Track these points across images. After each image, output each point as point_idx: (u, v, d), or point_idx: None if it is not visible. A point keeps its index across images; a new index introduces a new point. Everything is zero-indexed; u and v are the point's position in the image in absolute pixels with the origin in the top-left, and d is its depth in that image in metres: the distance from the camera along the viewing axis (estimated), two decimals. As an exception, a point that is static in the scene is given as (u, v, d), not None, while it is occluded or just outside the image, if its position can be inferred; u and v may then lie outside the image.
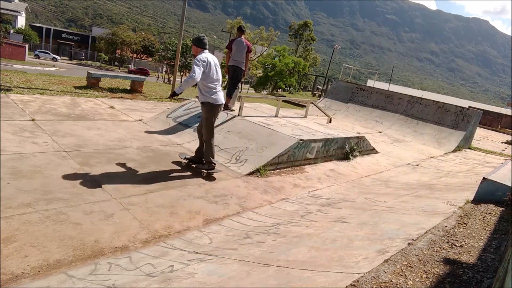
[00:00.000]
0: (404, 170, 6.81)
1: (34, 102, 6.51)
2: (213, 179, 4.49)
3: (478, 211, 3.41)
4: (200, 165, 4.66)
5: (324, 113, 9.95)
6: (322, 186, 5.08)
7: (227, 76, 7.33)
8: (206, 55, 4.33)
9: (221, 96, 4.48)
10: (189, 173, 4.52)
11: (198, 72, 4.09)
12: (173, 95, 4.37)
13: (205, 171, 4.54)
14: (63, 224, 2.83)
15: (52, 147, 4.47)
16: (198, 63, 4.16)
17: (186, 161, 4.84)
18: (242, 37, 6.91)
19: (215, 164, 4.60)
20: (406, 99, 12.59)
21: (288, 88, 40.12)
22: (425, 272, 2.08)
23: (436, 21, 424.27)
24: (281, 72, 34.78)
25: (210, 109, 4.41)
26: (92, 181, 3.72)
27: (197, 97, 4.76)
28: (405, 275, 2.02)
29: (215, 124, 4.61)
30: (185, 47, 30.09)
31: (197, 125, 6.38)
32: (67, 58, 50.72)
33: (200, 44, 4.39)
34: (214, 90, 4.38)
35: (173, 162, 4.83)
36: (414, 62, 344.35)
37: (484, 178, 3.88)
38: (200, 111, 6.52)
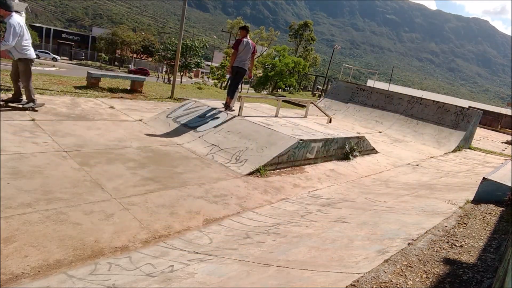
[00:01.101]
0: (404, 170, 6.81)
1: (34, 102, 6.50)
2: (35, 111, 5.58)
3: (478, 211, 3.41)
4: (26, 104, 5.63)
5: (324, 113, 9.96)
6: (322, 186, 5.08)
7: (228, 75, 7.39)
8: (18, 19, 5.19)
9: (32, 52, 5.65)
10: (189, 174, 4.52)
11: (14, 39, 5.15)
12: None
13: (31, 106, 5.59)
14: (63, 224, 2.83)
15: (52, 147, 4.47)
16: (14, 28, 5.09)
17: (3, 103, 5.62)
18: (248, 37, 6.92)
19: (36, 99, 5.75)
20: (406, 99, 12.59)
21: (288, 88, 40.13)
22: (425, 272, 2.08)
23: (436, 21, 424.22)
24: (281, 72, 34.78)
25: (27, 63, 5.59)
26: (92, 181, 3.71)
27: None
28: (405, 275, 2.02)
29: None
30: (185, 47, 30.09)
31: (198, 125, 6.40)
32: (67, 58, 50.73)
33: (7, 7, 5.15)
34: (27, 47, 5.47)
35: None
36: (414, 62, 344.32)
37: (484, 178, 3.88)
38: (200, 111, 6.57)
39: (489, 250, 2.47)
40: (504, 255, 2.21)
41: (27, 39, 5.46)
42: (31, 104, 5.59)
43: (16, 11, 5.28)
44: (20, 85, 5.69)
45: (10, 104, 5.66)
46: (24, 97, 5.72)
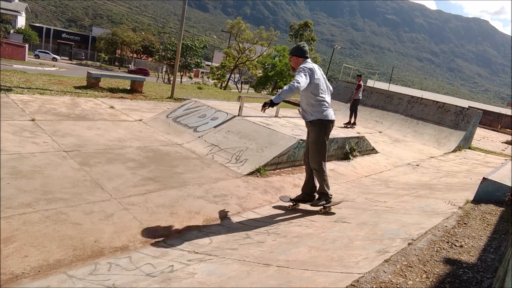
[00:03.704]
0: (404, 170, 6.81)
1: (34, 102, 6.51)
2: (331, 213, 3.72)
3: (478, 211, 3.41)
4: (315, 201, 3.80)
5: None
6: (322, 186, 5.07)
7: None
8: (312, 65, 3.60)
9: (332, 113, 3.69)
10: (189, 174, 4.52)
11: (304, 80, 3.37)
12: (270, 104, 3.35)
13: (324, 206, 3.75)
14: (63, 224, 2.83)
15: (52, 147, 4.47)
16: (305, 69, 3.47)
17: (292, 205, 3.96)
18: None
19: (331, 195, 3.76)
20: (406, 99, 12.59)
21: (288, 88, 40.04)
22: (425, 272, 2.08)
23: (436, 21, 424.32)
24: (281, 72, 34.75)
25: (322, 127, 3.62)
26: (92, 181, 3.71)
27: (298, 111, 4.04)
28: (405, 275, 2.02)
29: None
30: (185, 47, 30.10)
31: (198, 125, 6.40)
32: (67, 58, 50.73)
33: (301, 53, 3.67)
34: (325, 105, 3.63)
35: (277, 207, 3.99)
36: (414, 62, 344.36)
37: (484, 178, 3.88)
38: (200, 111, 6.45)
39: (489, 250, 2.47)
40: (504, 255, 2.21)
41: (323, 91, 3.64)
42: (322, 202, 3.76)
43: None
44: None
45: (301, 206, 4.03)
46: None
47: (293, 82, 3.31)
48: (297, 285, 2.01)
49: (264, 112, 3.46)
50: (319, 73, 3.62)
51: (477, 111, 11.53)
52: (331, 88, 3.82)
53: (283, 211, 3.89)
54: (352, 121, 10.91)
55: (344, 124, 10.74)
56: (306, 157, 3.83)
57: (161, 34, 73.80)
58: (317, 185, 3.82)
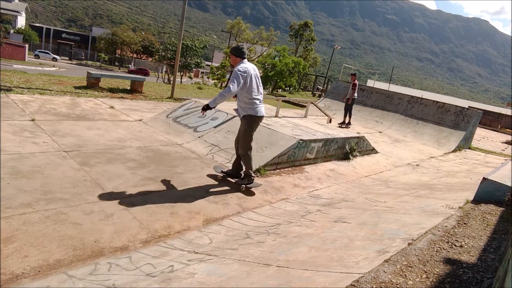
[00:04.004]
0: (404, 170, 6.81)
1: (34, 102, 6.51)
2: (252, 193, 4.28)
3: (478, 211, 3.41)
4: (239, 180, 4.43)
5: (324, 113, 9.96)
6: (322, 186, 5.08)
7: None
8: (246, 65, 4.08)
9: (262, 109, 4.26)
10: (189, 174, 4.52)
11: (236, 85, 3.91)
12: (206, 108, 4.01)
13: (246, 186, 4.33)
14: (63, 224, 2.83)
15: (52, 147, 4.47)
16: (239, 74, 3.95)
17: (221, 176, 4.57)
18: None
19: (254, 177, 4.41)
20: (406, 99, 12.59)
21: (288, 88, 40.11)
22: (425, 272, 2.08)
23: (436, 21, 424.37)
24: (281, 72, 34.77)
25: (251, 122, 4.23)
26: (92, 181, 3.72)
27: (235, 109, 4.53)
28: (405, 275, 2.02)
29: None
30: (185, 47, 30.10)
31: (198, 125, 6.40)
32: (67, 58, 50.74)
33: (239, 53, 4.14)
34: (256, 103, 4.17)
35: (209, 176, 4.57)
36: (414, 62, 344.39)
37: (484, 178, 3.88)
38: (200, 111, 6.52)
39: (489, 250, 2.47)
40: (504, 255, 2.21)
41: (255, 91, 4.19)
42: (245, 181, 4.39)
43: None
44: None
45: (229, 179, 4.61)
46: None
47: (228, 88, 3.91)
48: (297, 285, 2.01)
49: (203, 115, 4.10)
50: (253, 74, 4.14)
51: (477, 111, 11.53)
52: (261, 89, 4.30)
53: (283, 211, 3.89)
54: (347, 120, 10.81)
55: (338, 124, 10.57)
56: (236, 143, 4.46)
57: (161, 34, 73.81)
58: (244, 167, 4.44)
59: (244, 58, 4.16)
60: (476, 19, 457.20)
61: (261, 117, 4.28)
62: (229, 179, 4.56)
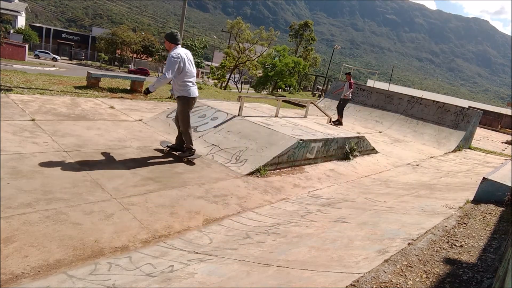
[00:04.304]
0: (404, 170, 6.81)
1: (34, 102, 6.51)
2: (193, 163, 4.90)
3: (478, 211, 3.41)
4: (181, 153, 5.03)
5: (324, 113, 9.96)
6: (322, 186, 5.08)
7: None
8: (179, 51, 4.58)
9: (195, 90, 4.84)
10: (189, 174, 4.52)
11: (171, 72, 4.47)
12: (147, 92, 4.61)
13: (188, 158, 4.94)
14: (63, 224, 2.83)
15: (52, 147, 4.47)
16: (172, 60, 4.47)
17: (167, 149, 5.15)
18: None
19: (194, 150, 5.04)
20: (406, 99, 12.59)
21: (288, 88, 40.10)
22: (425, 272, 2.08)
23: (436, 21, 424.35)
24: (281, 72, 34.75)
25: (186, 102, 4.79)
26: (92, 181, 3.72)
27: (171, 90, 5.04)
28: (405, 275, 2.02)
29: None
30: (185, 47, 30.12)
31: (198, 125, 6.40)
32: (67, 58, 50.72)
33: (173, 39, 4.62)
34: (189, 85, 4.74)
35: (156, 150, 5.17)
36: (414, 62, 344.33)
37: (484, 178, 3.88)
38: (200, 111, 6.60)
39: (489, 250, 2.47)
40: (504, 255, 2.21)
41: (189, 74, 4.73)
42: (186, 154, 4.97)
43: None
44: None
45: (173, 153, 5.17)
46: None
47: (164, 75, 4.47)
48: (297, 285, 2.01)
49: (144, 96, 4.61)
50: (186, 59, 4.66)
51: (477, 111, 11.53)
52: (194, 72, 4.80)
53: (283, 211, 3.89)
54: (335, 118, 10.81)
55: (332, 121, 10.57)
56: (177, 121, 5.04)
57: (161, 34, 73.76)
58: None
59: (178, 44, 4.65)
60: (476, 19, 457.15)
61: (194, 98, 4.86)
62: (173, 152, 5.15)
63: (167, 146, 5.16)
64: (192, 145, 4.98)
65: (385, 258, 2.21)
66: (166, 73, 4.45)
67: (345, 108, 11.20)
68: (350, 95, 10.94)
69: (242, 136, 5.78)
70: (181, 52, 4.61)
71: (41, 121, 5.43)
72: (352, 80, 10.90)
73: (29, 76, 9.79)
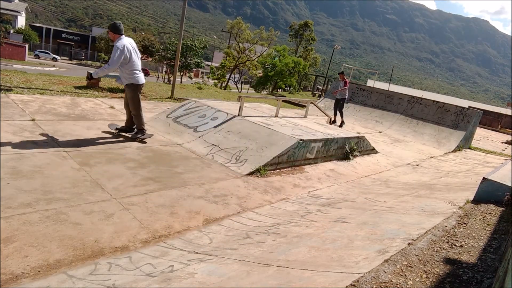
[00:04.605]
0: (404, 170, 6.81)
1: (34, 102, 6.51)
2: (145, 142, 5.31)
3: (478, 211, 3.41)
4: (133, 133, 5.39)
5: (324, 113, 9.96)
6: (322, 186, 5.08)
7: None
8: (124, 42, 4.84)
9: (142, 77, 5.23)
10: (189, 174, 4.52)
11: (117, 62, 4.77)
12: (90, 77, 5.00)
13: (140, 138, 5.33)
14: (63, 224, 2.83)
15: (52, 147, 4.47)
16: (119, 51, 4.73)
17: (116, 131, 5.43)
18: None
19: (146, 130, 5.44)
20: (406, 99, 12.59)
21: (288, 88, 40.09)
22: (425, 272, 2.08)
23: (436, 21, 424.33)
24: (281, 72, 34.74)
25: (135, 89, 5.17)
26: (92, 181, 3.71)
27: (118, 79, 5.40)
28: (405, 275, 2.02)
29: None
30: (185, 47, 30.09)
31: (198, 125, 6.40)
32: (67, 58, 50.74)
33: (117, 30, 4.86)
34: (136, 73, 5.11)
35: (104, 132, 5.42)
36: (414, 62, 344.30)
37: (484, 178, 3.88)
38: (200, 111, 6.62)
39: (489, 250, 2.47)
40: (504, 255, 2.21)
41: (135, 64, 5.09)
42: (139, 134, 5.35)
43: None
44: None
45: (123, 134, 5.46)
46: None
47: (108, 65, 4.78)
48: (297, 285, 2.01)
49: (88, 81, 4.99)
50: (132, 49, 4.97)
51: (477, 111, 11.53)
52: (139, 61, 5.17)
53: (283, 211, 3.89)
54: (333, 118, 10.79)
55: (332, 122, 10.54)
56: (126, 106, 5.41)
57: (161, 34, 73.76)
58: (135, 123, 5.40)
59: (122, 34, 4.90)
60: (476, 19, 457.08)
61: (142, 84, 5.25)
62: (123, 134, 5.43)
63: (116, 129, 5.44)
64: (144, 125, 5.35)
65: (385, 258, 2.21)
66: (110, 63, 4.73)
67: (345, 108, 11.17)
68: (347, 94, 10.90)
69: (242, 136, 5.78)
70: (126, 42, 4.87)
71: (41, 121, 5.43)
72: (346, 79, 10.86)
73: (29, 76, 9.79)
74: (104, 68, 4.88)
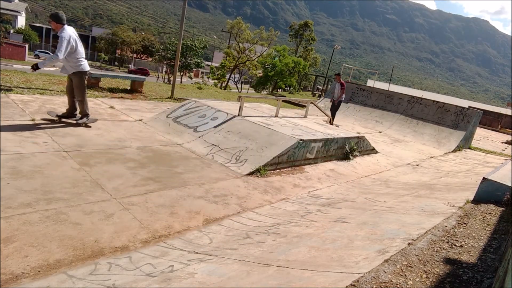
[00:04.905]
0: (404, 170, 6.81)
1: (34, 102, 6.51)
2: (89, 127, 5.52)
3: (478, 211, 3.41)
4: (78, 119, 5.54)
5: (324, 113, 9.96)
6: (322, 186, 5.08)
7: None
8: (69, 32, 5.00)
9: (87, 65, 5.48)
10: (189, 174, 4.52)
11: (64, 52, 4.92)
12: (35, 68, 5.00)
13: (85, 122, 5.52)
14: (63, 224, 2.83)
15: (52, 147, 4.47)
16: (66, 42, 4.89)
17: (57, 118, 5.50)
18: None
19: (90, 114, 5.65)
20: (406, 99, 12.59)
21: (288, 88, 40.11)
22: (425, 272, 2.08)
23: (436, 21, 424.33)
24: (281, 72, 34.76)
25: (81, 76, 5.39)
26: (92, 181, 3.71)
27: (61, 69, 5.45)
28: (405, 275, 2.02)
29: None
30: (185, 47, 30.11)
31: (198, 125, 6.40)
32: (67, 58, 50.68)
33: (59, 20, 4.99)
34: (82, 61, 5.31)
35: (44, 119, 5.46)
36: (414, 62, 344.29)
37: (484, 178, 3.88)
38: (200, 111, 6.61)
39: (489, 250, 2.47)
40: (504, 255, 2.21)
41: (80, 52, 5.34)
42: (84, 119, 5.54)
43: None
44: (75, 100, 5.60)
45: (64, 120, 5.56)
46: (77, 112, 5.66)
47: (56, 55, 4.88)
48: (297, 285, 2.01)
49: (33, 71, 5.09)
50: (76, 39, 5.18)
51: (477, 111, 11.53)
52: (83, 49, 5.35)
53: (283, 211, 3.89)
54: (332, 120, 10.79)
55: (324, 121, 10.51)
56: (69, 92, 5.55)
57: (161, 34, 73.79)
58: (78, 108, 5.61)
59: (65, 24, 5.03)
60: (476, 19, 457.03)
61: (87, 71, 5.50)
62: (66, 120, 5.52)
63: (57, 116, 5.52)
64: (88, 110, 5.56)
65: (385, 258, 2.21)
66: (59, 54, 4.85)
67: (345, 108, 11.16)
68: (343, 96, 10.87)
69: (242, 136, 5.78)
70: (70, 32, 5.03)
71: (41, 121, 5.43)
72: (343, 81, 10.82)
73: (29, 76, 9.78)
74: (52, 58, 5.01)
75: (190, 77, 48.60)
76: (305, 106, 10.89)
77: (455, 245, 2.51)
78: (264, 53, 35.17)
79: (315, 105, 9.58)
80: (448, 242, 2.57)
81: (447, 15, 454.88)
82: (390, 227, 3.03)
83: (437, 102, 12.12)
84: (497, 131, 20.26)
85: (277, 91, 37.73)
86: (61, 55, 4.91)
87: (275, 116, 7.45)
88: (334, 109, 10.80)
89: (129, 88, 10.00)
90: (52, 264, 2.36)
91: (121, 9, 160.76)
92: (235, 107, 7.28)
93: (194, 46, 32.35)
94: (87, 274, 2.31)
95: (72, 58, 5.18)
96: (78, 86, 5.40)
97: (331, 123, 10.50)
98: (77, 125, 5.45)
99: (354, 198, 4.51)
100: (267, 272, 2.28)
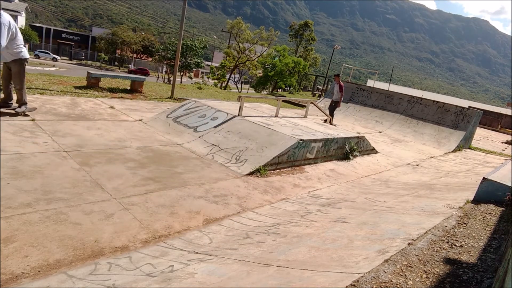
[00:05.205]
0: (404, 170, 6.81)
1: (34, 102, 6.50)
2: (27, 115, 5.45)
3: (478, 211, 3.41)
4: (17, 107, 5.43)
5: (324, 113, 9.96)
6: (322, 186, 5.08)
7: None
8: (7, 18, 4.81)
9: (27, 52, 5.39)
10: (189, 174, 4.52)
11: (6, 39, 4.78)
12: None
13: (24, 111, 5.43)
14: (63, 224, 2.83)
15: (52, 147, 4.47)
16: (6, 28, 4.75)
17: None
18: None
19: (27, 103, 5.56)
20: (406, 99, 12.59)
21: (288, 88, 40.11)
22: (425, 272, 2.08)
23: (436, 21, 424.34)
24: (281, 72, 34.75)
25: (21, 64, 5.27)
26: (92, 181, 3.71)
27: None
28: (405, 275, 2.02)
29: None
30: (185, 47, 30.11)
31: (198, 125, 6.40)
32: (67, 58, 50.76)
33: None
34: (20, 47, 5.17)
35: None
36: (414, 62, 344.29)
37: (484, 178, 3.88)
38: (200, 111, 6.61)
39: (489, 250, 2.47)
40: (504, 255, 2.21)
41: (20, 39, 5.21)
42: (23, 108, 5.43)
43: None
44: (11, 88, 5.50)
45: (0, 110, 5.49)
46: (13, 102, 5.55)
47: None
48: (297, 285, 2.01)
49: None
50: (14, 24, 4.98)
51: (477, 111, 11.53)
52: (20, 35, 5.21)
53: (283, 211, 3.89)
54: (331, 120, 10.79)
55: (322, 120, 10.51)
56: (5, 80, 5.40)
57: (161, 34, 73.81)
58: (14, 97, 5.52)
59: (0, 10, 4.79)
60: (476, 19, 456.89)
61: (27, 58, 5.36)
62: (2, 110, 5.39)
63: None
64: (26, 99, 5.46)
65: (385, 258, 2.21)
66: (2, 41, 4.69)
67: (345, 108, 11.16)
68: (342, 98, 10.85)
69: (242, 136, 5.78)
70: (9, 18, 4.86)
71: (41, 121, 5.43)
72: (341, 83, 10.78)
73: (29, 76, 9.78)
74: None
75: (190, 77, 48.61)
76: (305, 106, 10.89)
77: (455, 245, 2.51)
78: (264, 53, 35.16)
79: (315, 105, 9.58)
80: (448, 242, 2.57)
81: (447, 15, 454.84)
82: (390, 227, 3.03)
83: (437, 102, 12.12)
84: (497, 131, 20.26)
85: (277, 91, 37.73)
86: (3, 41, 4.73)
87: (275, 116, 7.45)
88: (331, 108, 10.79)
89: (129, 88, 10.00)
90: (52, 264, 2.36)
91: (121, 9, 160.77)
92: (235, 107, 7.28)
93: (194, 46, 32.33)
94: (87, 274, 2.31)
95: (12, 45, 5.01)
96: (18, 74, 5.27)
97: (330, 123, 10.51)
98: (16, 114, 5.36)
99: (354, 198, 4.51)
100: (267, 272, 2.28)
